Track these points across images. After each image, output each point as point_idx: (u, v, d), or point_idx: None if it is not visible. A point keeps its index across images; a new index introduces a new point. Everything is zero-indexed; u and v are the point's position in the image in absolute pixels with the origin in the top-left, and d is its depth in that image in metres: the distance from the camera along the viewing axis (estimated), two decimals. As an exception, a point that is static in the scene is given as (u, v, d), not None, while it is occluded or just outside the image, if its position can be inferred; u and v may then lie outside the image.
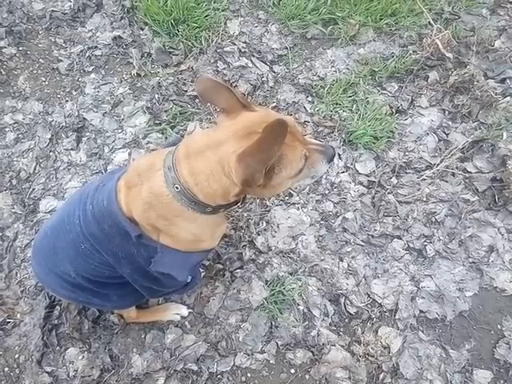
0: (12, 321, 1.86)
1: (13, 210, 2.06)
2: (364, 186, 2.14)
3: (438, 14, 2.55)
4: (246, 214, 2.07)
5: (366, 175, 2.17)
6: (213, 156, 1.12)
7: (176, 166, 1.16)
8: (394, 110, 2.32)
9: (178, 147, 1.20)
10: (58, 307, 1.85)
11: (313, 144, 1.27)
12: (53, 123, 2.24)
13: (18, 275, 1.94)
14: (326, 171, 2.10)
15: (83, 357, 1.79)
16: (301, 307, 1.91)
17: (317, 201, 2.11)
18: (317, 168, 1.30)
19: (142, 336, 1.85)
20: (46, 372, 1.77)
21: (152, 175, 1.20)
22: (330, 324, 1.88)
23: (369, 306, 1.92)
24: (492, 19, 2.53)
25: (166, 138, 2.21)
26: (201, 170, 1.14)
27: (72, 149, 2.19)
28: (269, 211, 2.08)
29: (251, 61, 2.41)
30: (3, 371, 1.78)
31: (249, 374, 1.80)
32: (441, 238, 2.03)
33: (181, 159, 1.16)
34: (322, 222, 2.07)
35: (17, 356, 1.80)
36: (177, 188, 1.16)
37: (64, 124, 2.24)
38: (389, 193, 2.12)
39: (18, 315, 1.87)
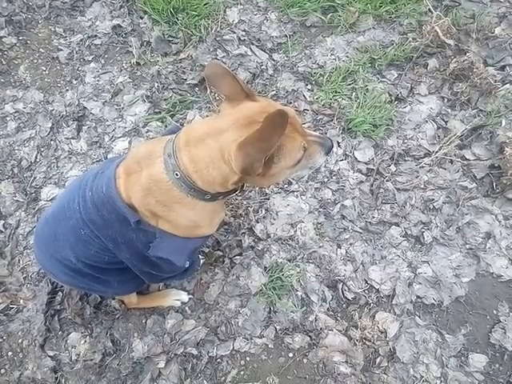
0: (15, 306, 1.89)
1: (15, 198, 2.08)
2: (363, 174, 2.15)
3: (438, 1, 2.54)
4: (245, 202, 2.09)
5: (365, 163, 2.18)
6: (213, 144, 1.14)
7: (176, 153, 1.18)
8: (393, 98, 2.32)
9: (179, 135, 1.22)
10: (60, 293, 1.89)
11: (312, 135, 1.30)
12: (53, 112, 2.26)
13: (21, 262, 1.97)
14: (323, 162, 2.11)
15: (85, 341, 1.83)
16: (299, 293, 1.93)
17: (316, 188, 2.12)
18: (314, 159, 1.32)
19: (143, 321, 1.88)
20: (49, 356, 1.81)
21: (152, 162, 1.22)
22: (328, 309, 1.91)
23: (366, 291, 1.94)
24: (492, 6, 2.52)
25: (166, 126, 2.22)
26: (201, 158, 1.16)
27: (73, 137, 2.21)
28: (268, 199, 2.10)
29: (250, 49, 2.42)
30: (7, 355, 1.82)
31: (248, 358, 1.84)
32: (438, 224, 2.05)
33: (181, 146, 1.18)
34: (320, 210, 2.09)
35: (20, 341, 1.84)
36: (176, 175, 1.18)
37: (64, 113, 2.25)
38: (387, 180, 2.13)
39: (21, 301, 1.90)
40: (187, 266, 1.51)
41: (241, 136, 1.08)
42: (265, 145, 1.04)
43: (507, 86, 2.28)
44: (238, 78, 1.16)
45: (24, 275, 1.95)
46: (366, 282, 1.96)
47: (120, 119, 2.26)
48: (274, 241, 2.02)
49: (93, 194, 1.28)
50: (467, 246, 2.01)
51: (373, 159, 2.18)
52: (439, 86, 2.34)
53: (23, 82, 2.34)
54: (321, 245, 2.02)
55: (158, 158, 1.21)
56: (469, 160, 2.16)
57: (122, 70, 2.38)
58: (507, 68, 2.34)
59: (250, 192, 2.11)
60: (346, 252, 2.01)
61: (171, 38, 2.43)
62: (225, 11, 2.50)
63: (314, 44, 2.48)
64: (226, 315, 1.90)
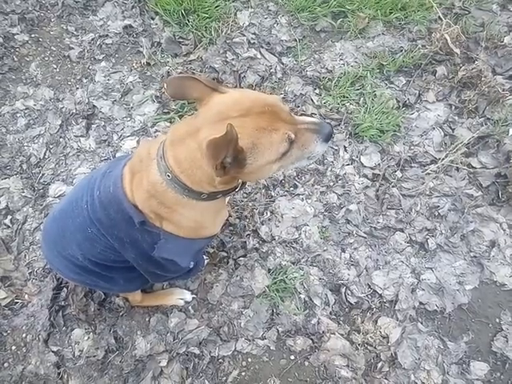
0: (20, 301, 1.91)
1: (23, 194, 2.10)
2: (368, 179, 2.16)
3: (448, 9, 2.55)
4: (250, 204, 2.10)
5: (371, 168, 2.18)
6: (192, 143, 1.12)
7: (164, 154, 1.17)
8: (400, 104, 2.33)
9: (167, 135, 1.21)
10: (65, 289, 1.90)
11: (304, 123, 1.20)
12: (63, 110, 2.28)
13: (27, 257, 1.99)
14: (324, 151, 2.10)
15: (88, 337, 1.84)
16: (302, 296, 1.94)
17: (321, 192, 2.13)
18: (310, 148, 1.22)
19: (147, 319, 1.89)
20: (52, 351, 1.82)
21: (149, 164, 1.22)
22: (331, 313, 1.92)
23: (369, 296, 1.95)
24: (502, 15, 2.53)
25: (174, 126, 2.23)
26: (183, 158, 1.14)
27: (82, 135, 2.23)
28: (273, 201, 2.11)
29: (260, 52, 2.43)
30: (11, 349, 1.84)
31: (249, 359, 1.85)
32: (443, 231, 2.05)
33: (167, 147, 1.17)
34: (325, 214, 2.10)
35: (24, 335, 1.86)
36: (168, 176, 1.17)
37: (74, 111, 2.27)
38: (393, 186, 2.14)
39: (26, 296, 1.92)
40: (192, 266, 1.52)
41: (212, 134, 1.04)
42: (216, 153, 1.02)
43: (515, 95, 2.28)
44: (196, 77, 1.13)
45: (30, 270, 1.97)
46: (370, 286, 1.96)
47: (129, 118, 2.28)
48: (278, 243, 2.03)
49: (100, 194, 1.29)
50: (471, 254, 2.02)
51: (379, 164, 2.19)
52: (447, 93, 2.34)
53: (34, 79, 2.37)
54: (325, 248, 2.03)
55: (152, 159, 1.21)
56: (475, 168, 2.17)
57: (132, 70, 2.40)
58: (516, 77, 2.35)
59: (255, 194, 2.12)
60: (350, 256, 2.02)
61: (182, 40, 2.45)
62: (235, 14, 2.52)
63: (323, 49, 2.49)
64: (228, 316, 1.91)
